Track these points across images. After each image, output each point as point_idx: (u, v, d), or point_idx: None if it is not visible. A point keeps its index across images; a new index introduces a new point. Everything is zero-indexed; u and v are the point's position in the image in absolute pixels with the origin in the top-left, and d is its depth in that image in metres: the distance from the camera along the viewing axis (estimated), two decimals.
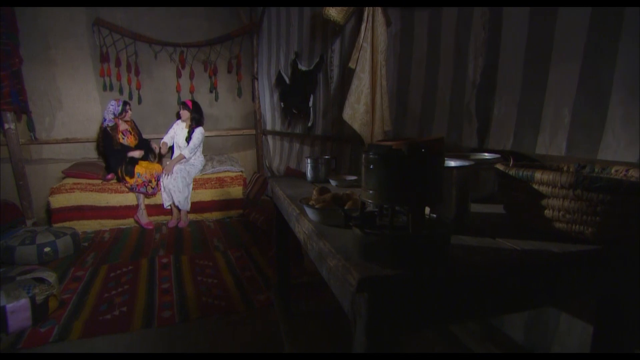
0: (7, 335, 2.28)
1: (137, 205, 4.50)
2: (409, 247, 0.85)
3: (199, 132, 4.87)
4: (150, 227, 4.48)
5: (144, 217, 4.52)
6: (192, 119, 4.87)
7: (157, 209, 4.61)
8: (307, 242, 1.38)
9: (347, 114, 2.62)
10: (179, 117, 5.03)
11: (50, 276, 2.55)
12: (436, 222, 0.96)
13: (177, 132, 5.01)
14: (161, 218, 4.66)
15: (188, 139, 4.85)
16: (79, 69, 4.92)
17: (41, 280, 2.47)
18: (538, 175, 0.98)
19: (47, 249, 3.46)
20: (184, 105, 4.90)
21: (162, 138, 5.07)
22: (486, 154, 1.46)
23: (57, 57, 4.81)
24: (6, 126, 4.55)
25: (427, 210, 0.98)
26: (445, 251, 0.89)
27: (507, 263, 0.89)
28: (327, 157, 2.16)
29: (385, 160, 0.88)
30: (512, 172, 1.04)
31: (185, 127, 4.92)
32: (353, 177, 1.99)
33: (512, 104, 1.68)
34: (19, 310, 2.31)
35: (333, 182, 1.96)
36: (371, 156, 0.91)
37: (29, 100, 4.69)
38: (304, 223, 1.31)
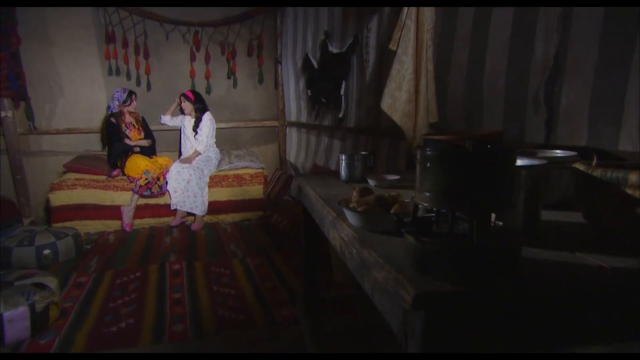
0: (4, 347, 2.36)
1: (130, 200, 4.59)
2: (473, 260, 0.84)
3: (207, 118, 4.97)
4: (129, 229, 4.55)
5: (128, 216, 4.58)
6: (196, 110, 4.99)
7: (169, 208, 4.70)
8: (345, 250, 1.37)
9: (386, 104, 2.60)
10: (182, 111, 5.15)
11: (52, 282, 2.63)
12: (503, 231, 0.94)
13: (184, 124, 5.12)
14: (172, 219, 4.74)
15: (196, 127, 4.95)
16: (82, 50, 5.07)
17: (41, 286, 2.55)
18: (634, 177, 0.94)
19: (46, 251, 3.57)
20: (184, 97, 5.00)
21: (163, 117, 5.24)
22: (558, 151, 1.42)
23: (57, 36, 4.96)
24: (3, 114, 4.74)
25: (492, 217, 0.96)
26: (515, 266, 0.87)
27: (593, 283, 0.86)
28: (364, 153, 2.15)
29: (445, 157, 0.86)
30: (597, 172, 1.00)
31: (192, 117, 5.06)
32: (394, 177, 1.98)
33: (585, 90, 1.63)
34: (17, 319, 2.40)
35: (371, 182, 1.95)
36: (428, 153, 0.90)
37: (28, 85, 4.85)
38: (343, 228, 1.31)
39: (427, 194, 0.91)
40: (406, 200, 1.31)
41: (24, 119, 4.92)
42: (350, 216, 1.24)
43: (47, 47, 4.95)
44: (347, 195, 1.73)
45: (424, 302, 0.81)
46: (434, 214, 1.04)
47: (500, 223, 0.95)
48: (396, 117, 2.58)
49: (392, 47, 2.58)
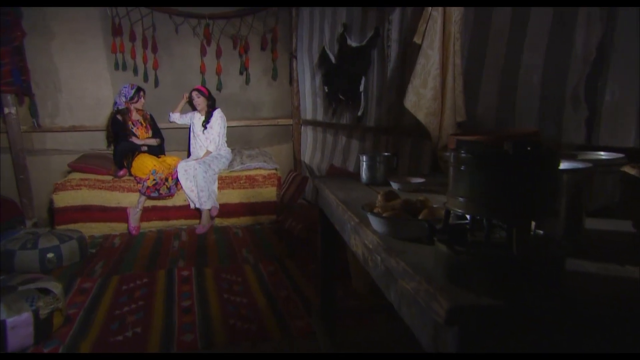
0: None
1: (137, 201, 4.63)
2: (512, 272, 0.82)
3: (217, 115, 5.03)
4: (135, 233, 4.58)
5: (135, 219, 4.62)
6: (208, 106, 5.08)
7: (177, 211, 4.74)
8: (368, 258, 1.37)
9: (409, 101, 2.59)
10: (192, 107, 5.19)
11: (56, 287, 2.66)
12: (545, 240, 0.92)
13: (194, 122, 5.17)
14: (180, 222, 4.78)
15: (205, 123, 5.00)
16: (87, 44, 5.13)
17: (46, 292, 2.58)
18: None
19: (50, 255, 3.62)
20: (198, 92, 5.06)
21: (172, 114, 5.30)
22: (602, 153, 1.39)
23: (61, 29, 5.03)
24: (6, 110, 4.82)
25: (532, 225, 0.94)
26: (558, 279, 0.85)
27: None
28: (386, 154, 2.14)
29: (482, 160, 0.85)
30: None
31: (202, 115, 5.12)
32: (419, 180, 1.96)
33: (634, 85, 1.59)
34: (20, 325, 2.43)
35: (395, 185, 1.94)
36: (463, 155, 0.89)
37: (32, 80, 4.93)
38: (367, 234, 1.30)
39: (461, 199, 0.90)
40: (435, 206, 1.30)
41: (28, 116, 5.00)
42: (376, 222, 1.23)
43: (51, 41, 5.01)
44: (369, 199, 1.72)
45: (459, 317, 0.80)
46: (467, 221, 1.03)
47: (541, 232, 0.93)
48: (420, 116, 2.57)
49: (416, 40, 2.57)
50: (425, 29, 2.49)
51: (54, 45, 5.02)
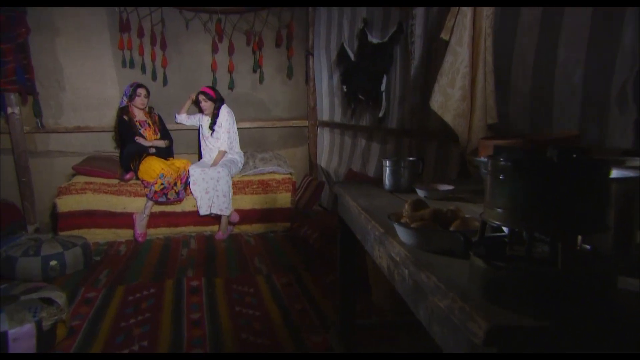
0: None
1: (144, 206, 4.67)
2: (558, 290, 0.81)
3: (224, 111, 5.06)
4: (142, 240, 4.61)
5: (141, 225, 4.65)
6: (215, 108, 5.10)
7: (186, 217, 4.76)
8: (394, 271, 1.36)
9: (436, 102, 2.57)
10: (200, 110, 5.24)
11: (60, 297, 2.68)
12: (592, 255, 0.90)
13: (202, 124, 5.22)
14: (189, 229, 4.81)
15: (212, 125, 5.04)
16: (93, 40, 5.19)
17: (49, 302, 2.60)
18: None
19: (53, 263, 3.66)
20: (205, 95, 5.07)
21: (178, 116, 5.36)
22: None
23: (65, 24, 5.09)
24: (9, 110, 4.90)
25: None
26: (608, 298, 0.83)
27: None
28: (411, 158, 2.13)
29: (524, 168, 0.84)
30: None
31: (209, 116, 5.16)
32: (448, 187, 1.94)
33: None
34: (22, 337, 2.45)
35: (421, 193, 1.93)
36: (502, 163, 0.88)
37: (36, 79, 5.00)
38: (393, 246, 1.29)
39: (500, 210, 0.89)
40: (467, 216, 1.28)
41: (31, 116, 5.07)
42: (404, 233, 1.22)
43: (55, 37, 5.08)
44: (393, 207, 1.71)
45: (499, 338, 0.79)
46: (504, 234, 1.01)
47: (588, 247, 0.91)
48: (448, 118, 2.54)
49: (443, 36, 2.55)
50: (454, 24, 2.47)
51: (58, 41, 5.09)
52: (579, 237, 0.91)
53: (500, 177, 0.88)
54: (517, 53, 2.37)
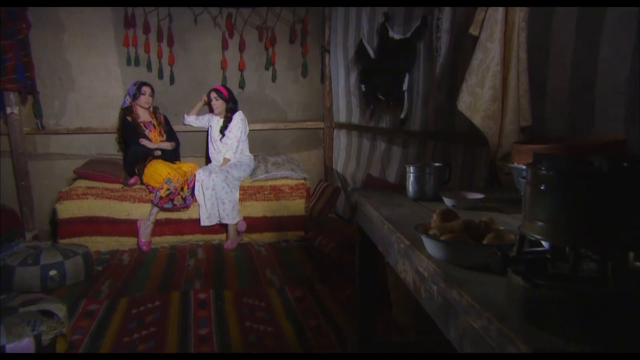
0: None
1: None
2: (608, 312, 0.78)
3: (238, 118, 5.06)
4: (146, 249, 4.62)
5: (146, 233, 4.66)
6: (227, 110, 5.12)
7: (193, 224, 4.78)
8: (420, 287, 1.35)
9: (464, 103, 2.55)
10: (210, 110, 5.27)
11: (60, 309, 2.70)
12: None
13: (211, 126, 5.23)
14: (196, 237, 4.82)
15: (224, 129, 5.05)
16: (97, 36, 5.25)
17: (49, 315, 2.62)
18: None
19: (52, 272, 3.68)
20: (217, 93, 5.09)
21: (187, 117, 5.39)
22: None
23: (69, 19, 5.15)
24: (8, 110, 4.96)
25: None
26: None
27: None
28: (438, 164, 2.11)
29: (569, 179, 0.82)
30: None
31: (221, 118, 5.17)
32: (478, 195, 1.92)
33: None
34: (20, 352, 2.46)
35: (448, 201, 1.91)
36: (544, 172, 0.86)
37: (37, 77, 5.07)
38: (420, 260, 1.28)
39: (541, 224, 0.88)
40: (502, 228, 1.27)
41: (31, 116, 5.13)
42: (433, 246, 1.20)
43: (58, 33, 5.14)
44: (419, 217, 1.70)
45: None
46: (544, 249, 0.99)
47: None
48: (477, 120, 2.52)
49: (472, 31, 2.53)
50: (484, 17, 2.45)
51: (60, 38, 5.15)
52: (631, 254, 0.89)
53: (542, 188, 0.87)
54: (554, 49, 2.33)
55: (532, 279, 0.86)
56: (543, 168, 0.87)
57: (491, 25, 2.43)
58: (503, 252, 0.96)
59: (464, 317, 1.02)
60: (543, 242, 0.98)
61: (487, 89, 2.47)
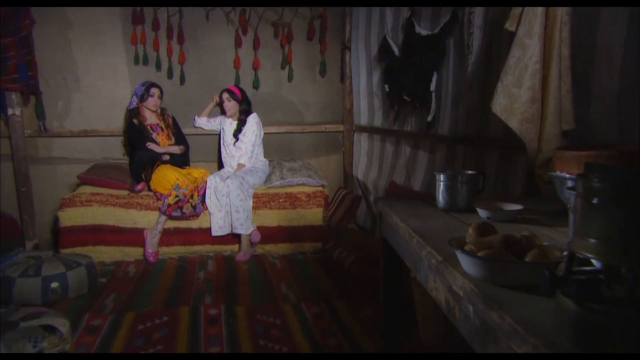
0: None
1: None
2: None
3: (253, 121, 5.08)
4: (153, 260, 4.63)
5: (153, 243, 4.67)
6: (241, 112, 5.13)
7: (203, 234, 4.79)
8: (454, 307, 1.33)
9: (499, 104, 2.53)
10: (222, 112, 5.30)
11: (63, 325, 2.72)
12: None
13: (224, 128, 5.25)
14: (207, 248, 4.83)
15: (237, 133, 5.07)
16: (104, 33, 5.30)
17: (51, 330, 2.64)
18: None
19: (54, 285, 3.71)
20: (229, 94, 5.11)
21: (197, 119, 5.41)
22: None
23: (74, 15, 5.20)
24: (10, 111, 5.02)
25: None
26: None
27: None
28: (471, 172, 2.09)
29: (627, 192, 0.80)
30: None
31: (234, 120, 5.19)
32: (516, 207, 1.89)
33: None
34: None
35: (483, 213, 1.90)
36: (597, 184, 0.84)
37: (40, 76, 5.13)
38: (454, 277, 1.26)
39: (593, 241, 0.87)
40: (546, 244, 1.24)
41: (33, 118, 5.18)
42: (469, 263, 1.18)
43: (62, 30, 5.19)
44: (451, 230, 1.68)
45: None
46: (596, 268, 0.97)
47: None
48: (513, 123, 2.50)
49: (509, 26, 2.52)
50: (522, 11, 2.43)
51: (66, 34, 5.20)
52: None
53: (594, 201, 0.86)
54: (601, 44, 2.29)
55: (585, 303, 0.84)
56: (595, 180, 0.85)
57: (530, 19, 2.41)
58: (551, 272, 0.94)
59: (505, 342, 1.00)
60: (594, 261, 0.96)
61: (525, 89, 2.45)
